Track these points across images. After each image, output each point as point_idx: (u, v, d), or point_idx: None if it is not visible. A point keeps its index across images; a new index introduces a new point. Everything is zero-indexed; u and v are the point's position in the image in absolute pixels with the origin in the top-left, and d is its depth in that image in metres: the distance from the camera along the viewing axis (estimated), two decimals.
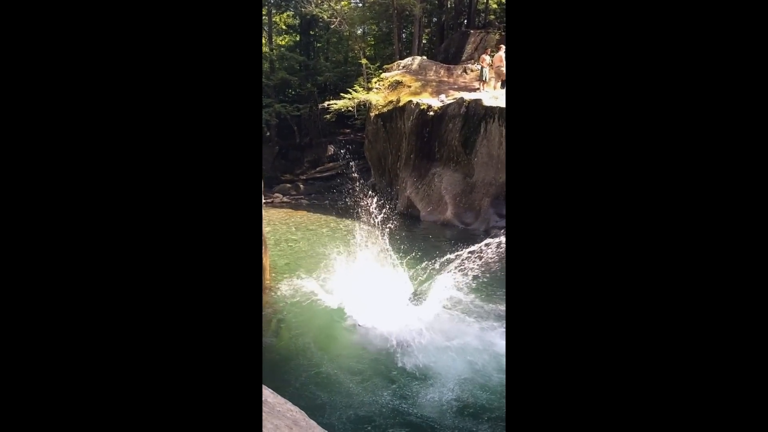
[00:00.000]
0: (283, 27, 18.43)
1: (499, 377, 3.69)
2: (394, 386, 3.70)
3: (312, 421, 2.05)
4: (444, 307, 5.37)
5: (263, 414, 1.65)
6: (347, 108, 13.11)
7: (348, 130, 16.34)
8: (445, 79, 12.24)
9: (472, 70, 12.02)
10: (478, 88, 11.03)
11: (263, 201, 9.35)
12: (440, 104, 10.65)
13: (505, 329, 4.56)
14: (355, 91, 13.02)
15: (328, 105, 13.54)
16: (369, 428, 3.22)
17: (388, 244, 6.60)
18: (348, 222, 10.77)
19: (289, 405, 2.09)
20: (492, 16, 15.60)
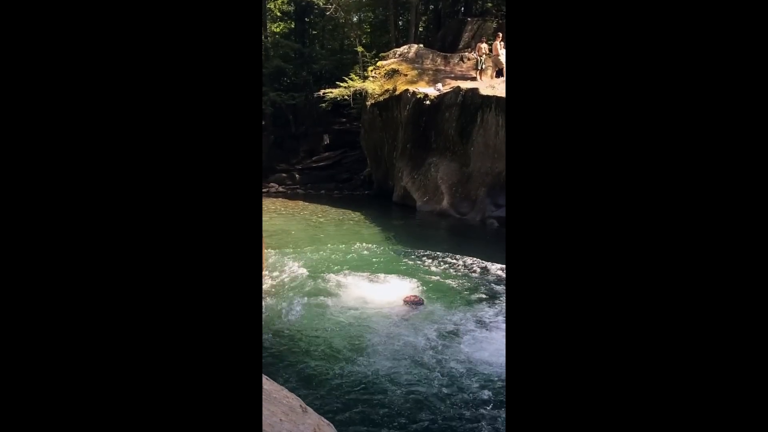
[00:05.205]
0: (278, 14, 18.13)
1: (499, 373, 3.71)
2: (393, 376, 3.73)
3: (309, 408, 2.07)
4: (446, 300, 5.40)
5: None
6: (343, 97, 12.99)
7: (344, 119, 16.22)
8: (442, 67, 12.14)
9: (469, 59, 11.92)
10: (475, 77, 10.96)
11: None
12: (437, 93, 10.58)
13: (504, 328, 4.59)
14: (351, 79, 12.88)
15: (324, 93, 13.39)
16: (366, 416, 3.25)
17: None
18: (345, 211, 10.75)
19: (285, 392, 2.10)
20: (489, 4, 15.43)
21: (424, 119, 10.68)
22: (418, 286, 5.66)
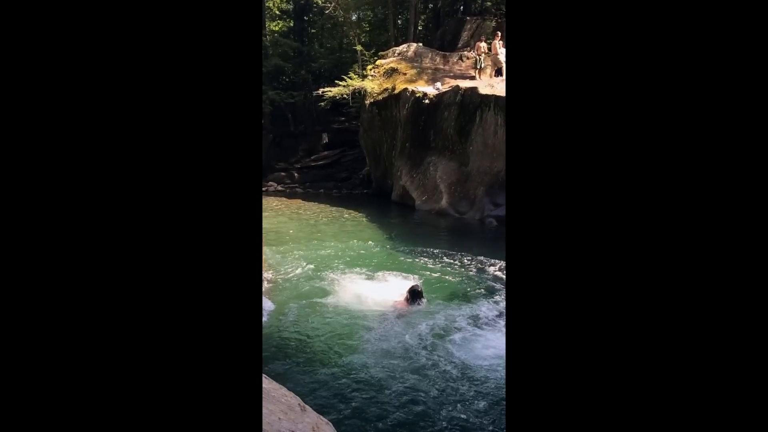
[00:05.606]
0: (277, 12, 18.10)
1: (500, 374, 3.71)
2: (392, 375, 3.73)
3: (308, 407, 2.07)
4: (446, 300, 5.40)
5: None
6: (342, 95, 12.97)
7: (343, 118, 16.20)
8: (441, 66, 12.14)
9: (468, 58, 11.91)
10: (474, 76, 10.96)
11: None
12: (436, 92, 10.57)
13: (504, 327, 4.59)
14: (350, 78, 12.87)
15: (323, 92, 13.37)
16: (365, 415, 3.26)
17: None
18: (343, 210, 10.75)
19: (284, 390, 2.10)
20: (488, 3, 15.42)
21: (423, 118, 10.67)
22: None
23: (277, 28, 18.11)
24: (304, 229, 9.10)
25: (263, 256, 5.99)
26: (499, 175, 9.27)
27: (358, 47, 14.83)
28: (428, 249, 7.23)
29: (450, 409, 3.30)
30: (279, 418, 1.76)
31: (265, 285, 5.63)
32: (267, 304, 5.07)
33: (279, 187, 14.28)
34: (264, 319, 4.71)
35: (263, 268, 5.95)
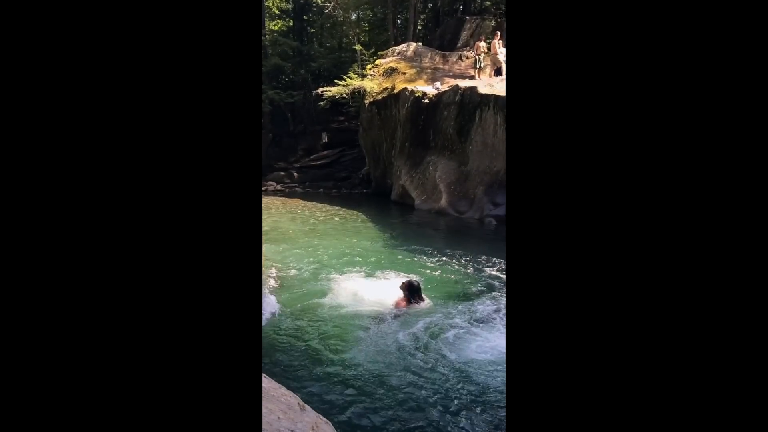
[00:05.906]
0: (276, 11, 18.08)
1: (499, 376, 3.71)
2: (392, 374, 3.74)
3: (307, 406, 2.07)
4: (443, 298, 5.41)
5: None
6: (341, 95, 12.97)
7: (342, 118, 16.20)
8: (441, 66, 12.14)
9: (467, 57, 11.92)
10: (474, 76, 10.96)
11: None
12: (435, 92, 10.58)
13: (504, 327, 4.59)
14: (350, 77, 12.87)
15: (322, 92, 13.37)
16: (364, 414, 3.26)
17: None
18: (343, 210, 10.75)
19: (284, 390, 2.10)
20: (488, 2, 15.43)
21: (422, 118, 10.68)
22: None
23: (276, 28, 18.09)
24: (303, 229, 9.09)
25: (263, 256, 5.98)
26: (499, 174, 9.28)
27: (358, 47, 14.82)
28: (427, 248, 7.23)
29: (449, 408, 3.30)
30: (278, 418, 1.76)
31: (264, 284, 5.63)
32: (266, 303, 5.06)
33: (278, 187, 14.27)
34: (263, 318, 4.71)
35: (262, 268, 5.94)
